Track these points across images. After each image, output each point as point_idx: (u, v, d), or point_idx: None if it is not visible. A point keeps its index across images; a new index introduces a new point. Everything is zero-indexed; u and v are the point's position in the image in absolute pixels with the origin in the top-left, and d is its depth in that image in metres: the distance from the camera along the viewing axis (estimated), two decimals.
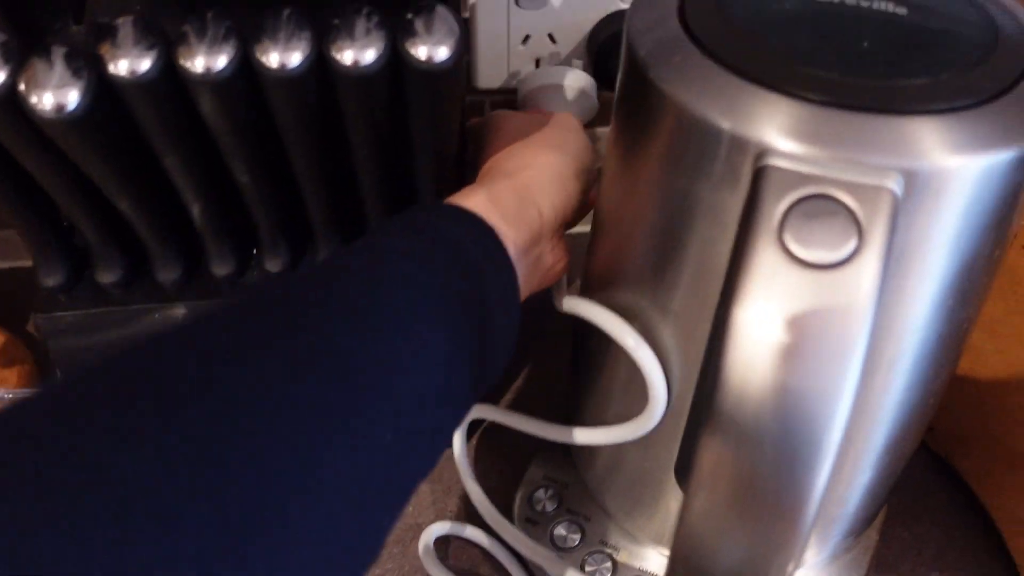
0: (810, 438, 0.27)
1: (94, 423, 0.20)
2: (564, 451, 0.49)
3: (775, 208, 0.26)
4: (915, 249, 0.29)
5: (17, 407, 0.21)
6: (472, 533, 0.47)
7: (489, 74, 0.55)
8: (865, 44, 0.30)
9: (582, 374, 0.43)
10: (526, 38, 0.53)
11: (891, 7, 0.31)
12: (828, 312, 0.26)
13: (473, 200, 0.34)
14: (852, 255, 0.25)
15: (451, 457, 0.49)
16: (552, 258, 0.38)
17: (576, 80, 0.53)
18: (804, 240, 0.26)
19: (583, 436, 0.41)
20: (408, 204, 0.41)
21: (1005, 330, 0.45)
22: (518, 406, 0.55)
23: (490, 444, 0.54)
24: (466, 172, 0.40)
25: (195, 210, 0.39)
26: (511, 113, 0.41)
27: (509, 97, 0.57)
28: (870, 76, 0.28)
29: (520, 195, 0.35)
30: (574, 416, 0.44)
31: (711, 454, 0.28)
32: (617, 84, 0.34)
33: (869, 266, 0.25)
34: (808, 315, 0.26)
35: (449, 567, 0.46)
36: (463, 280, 0.30)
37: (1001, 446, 0.46)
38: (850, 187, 0.26)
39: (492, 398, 0.54)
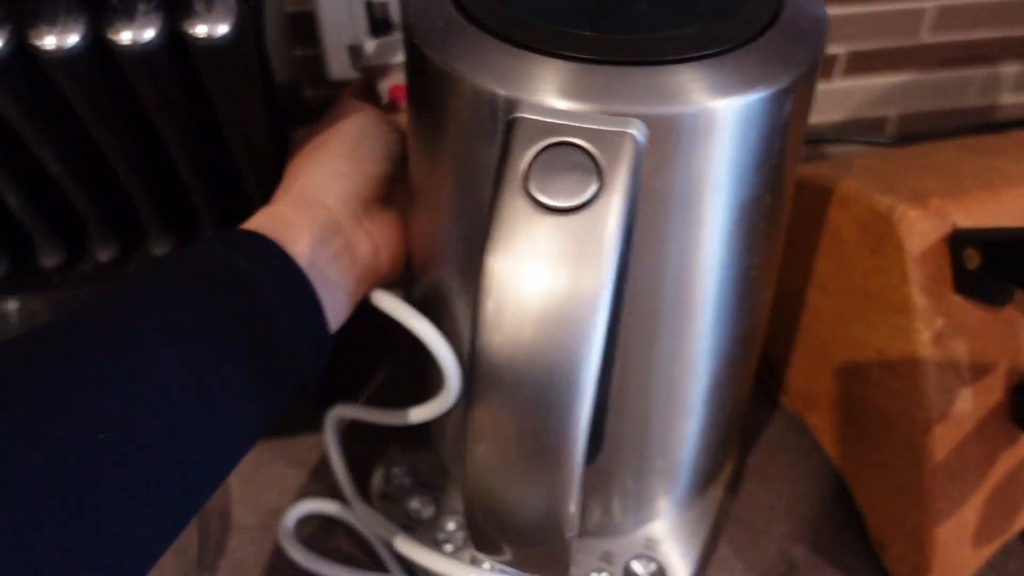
0: (565, 381, 0.27)
1: None
2: (420, 430, 0.49)
3: (521, 157, 0.27)
4: (681, 193, 0.30)
5: None
6: (336, 510, 0.48)
7: (339, 67, 0.56)
8: (618, 4, 0.31)
9: (414, 362, 0.44)
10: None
11: None
12: (573, 255, 0.26)
13: (254, 221, 0.35)
14: (592, 199, 0.26)
15: (316, 441, 0.49)
16: (370, 243, 0.38)
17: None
18: (547, 187, 0.27)
19: (396, 417, 0.43)
20: (235, 196, 0.41)
21: (835, 287, 0.46)
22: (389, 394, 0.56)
23: (355, 424, 0.54)
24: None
25: (12, 201, 0.39)
26: (307, 127, 0.42)
27: None
28: (622, 32, 0.29)
29: (297, 200, 0.36)
30: (416, 398, 0.45)
31: (479, 402, 0.29)
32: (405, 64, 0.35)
33: (611, 208, 0.26)
34: (553, 260, 0.26)
35: (313, 550, 0.46)
36: (235, 301, 0.31)
37: (844, 401, 0.48)
38: (590, 134, 0.27)
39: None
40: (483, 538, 0.32)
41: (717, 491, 0.47)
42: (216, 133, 0.38)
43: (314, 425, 0.50)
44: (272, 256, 0.33)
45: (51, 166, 0.37)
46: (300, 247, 0.34)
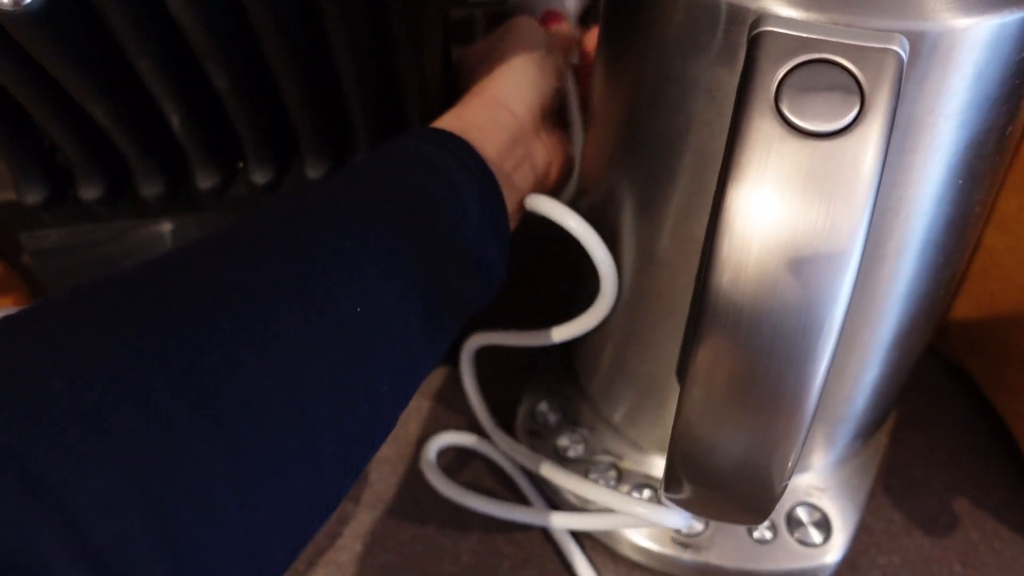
0: (809, 324, 0.25)
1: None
2: (565, 365, 0.48)
3: (771, 76, 0.24)
4: (922, 120, 0.27)
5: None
6: (475, 443, 0.47)
7: None
8: None
9: (577, 284, 0.42)
10: None
11: None
12: (829, 185, 0.24)
13: (442, 122, 0.35)
14: (854, 122, 0.24)
15: (453, 374, 0.48)
16: (545, 155, 0.38)
17: None
18: (802, 109, 0.24)
19: (553, 335, 0.41)
20: (394, 120, 0.39)
21: (1019, 228, 0.43)
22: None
23: (492, 361, 0.53)
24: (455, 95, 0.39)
25: (175, 120, 0.37)
26: (474, 46, 0.42)
27: (499, 9, 0.55)
28: None
29: (487, 104, 0.36)
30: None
31: (707, 344, 0.27)
32: None
33: (872, 134, 0.24)
34: (807, 190, 0.24)
35: (453, 480, 0.45)
36: (432, 184, 0.30)
37: (1013, 348, 0.45)
38: (851, 51, 0.24)
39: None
40: (680, 485, 0.31)
41: (881, 439, 0.45)
42: (390, 49, 0.36)
43: (451, 358, 0.49)
44: (469, 158, 0.32)
45: (219, 82, 0.36)
46: (489, 151, 0.34)
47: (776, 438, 0.28)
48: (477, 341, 0.46)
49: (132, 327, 0.21)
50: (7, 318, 0.21)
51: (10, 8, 0.28)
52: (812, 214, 0.24)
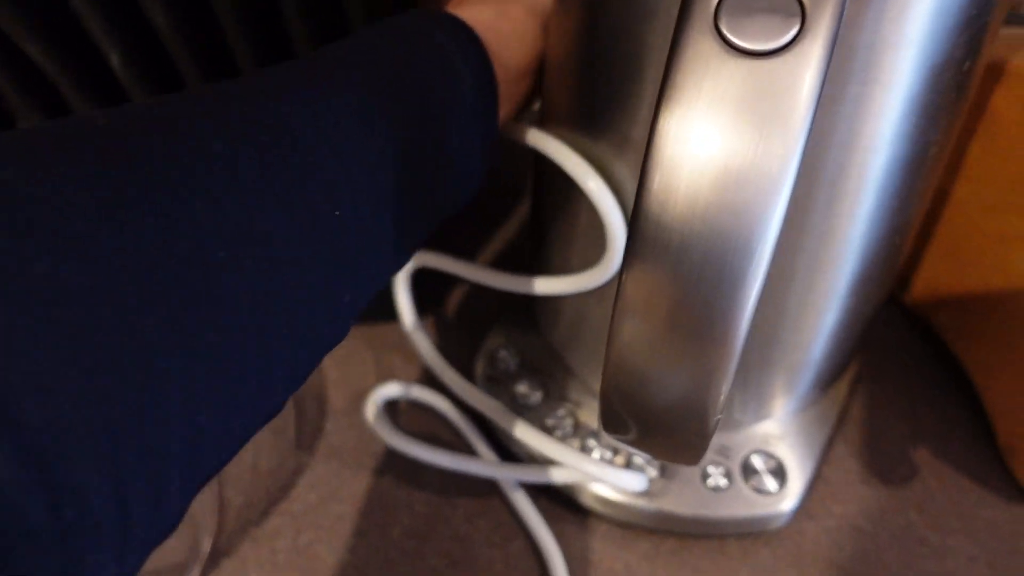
0: (739, 250, 0.24)
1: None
2: (526, 314, 0.47)
3: None
4: (880, 49, 0.26)
5: None
6: (424, 394, 0.46)
7: None
8: None
9: (543, 223, 0.41)
10: None
11: None
12: (763, 107, 0.23)
13: (466, 13, 0.32)
14: (793, 40, 0.23)
15: (397, 321, 0.47)
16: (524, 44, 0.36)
17: None
18: (742, 28, 0.23)
19: (544, 286, 0.40)
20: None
21: (980, 173, 0.42)
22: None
23: (448, 312, 0.53)
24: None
25: (113, 59, 0.36)
26: None
27: None
28: None
29: (531, 19, 0.35)
30: (538, 269, 0.43)
31: (636, 272, 0.26)
32: None
33: (811, 54, 0.23)
34: (741, 112, 0.23)
35: (402, 431, 0.45)
36: (426, 61, 0.29)
37: (975, 296, 0.45)
38: None
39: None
40: (616, 420, 0.30)
41: (841, 390, 0.44)
42: None
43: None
44: (471, 45, 0.31)
45: (156, 19, 0.34)
46: (483, 32, 0.32)
47: (707, 367, 0.27)
48: (421, 260, 0.45)
49: (103, 186, 0.19)
50: None
51: None
52: (745, 137, 0.24)
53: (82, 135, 0.20)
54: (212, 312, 0.20)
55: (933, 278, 0.48)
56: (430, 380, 0.48)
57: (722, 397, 0.27)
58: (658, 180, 0.24)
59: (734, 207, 0.24)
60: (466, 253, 0.51)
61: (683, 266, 0.25)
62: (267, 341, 0.22)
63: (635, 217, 0.25)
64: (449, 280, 0.54)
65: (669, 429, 0.29)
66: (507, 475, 0.42)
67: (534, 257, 0.43)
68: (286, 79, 0.25)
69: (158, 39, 0.36)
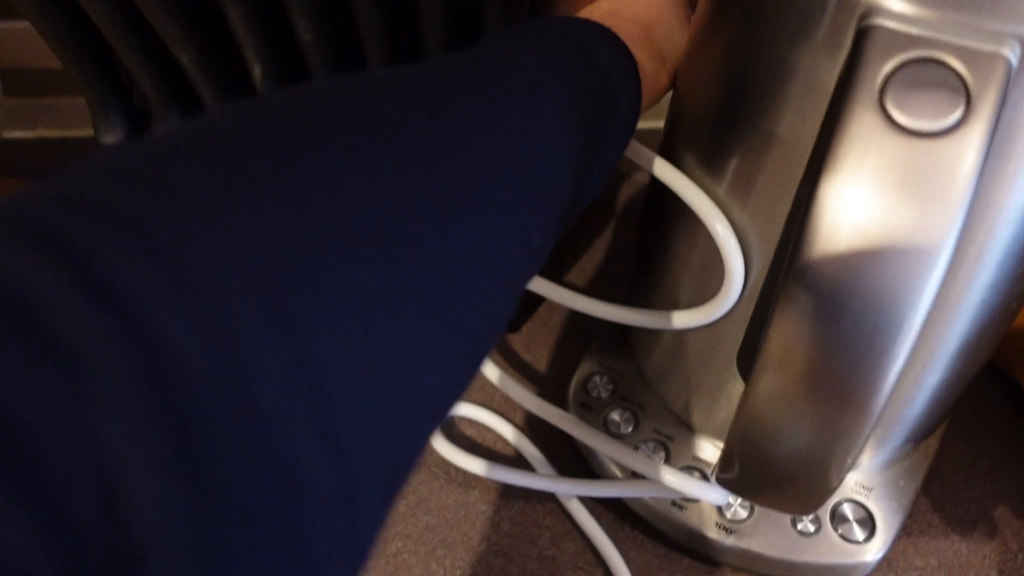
0: (892, 318, 0.25)
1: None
2: (620, 340, 0.48)
3: (878, 71, 0.24)
4: (1020, 129, 0.27)
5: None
6: (481, 415, 0.47)
7: None
8: None
9: (651, 253, 0.42)
10: None
11: None
12: (925, 185, 0.24)
13: (597, 14, 0.33)
14: (958, 124, 0.24)
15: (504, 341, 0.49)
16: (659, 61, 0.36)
17: None
18: (906, 105, 0.24)
19: (655, 320, 0.40)
20: None
21: None
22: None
23: (540, 334, 0.54)
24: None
25: (256, 69, 0.38)
26: None
27: None
28: None
29: (649, 32, 0.35)
30: (638, 300, 0.43)
31: (782, 331, 0.27)
32: None
33: (975, 138, 0.24)
34: (904, 187, 0.24)
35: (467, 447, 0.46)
36: (594, 77, 0.30)
37: None
38: (960, 51, 0.24)
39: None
40: (736, 468, 0.31)
41: (932, 445, 0.45)
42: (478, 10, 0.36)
43: (513, 324, 0.49)
44: (624, 57, 0.32)
45: (304, 35, 0.36)
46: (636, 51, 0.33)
47: (841, 432, 0.28)
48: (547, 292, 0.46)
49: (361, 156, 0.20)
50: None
51: None
52: (905, 212, 0.24)
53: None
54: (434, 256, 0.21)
55: (1020, 333, 0.48)
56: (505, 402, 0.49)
57: (850, 460, 0.28)
58: (816, 245, 0.25)
59: (891, 280, 0.25)
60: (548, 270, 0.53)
61: (832, 330, 0.26)
62: (479, 279, 0.23)
63: (787, 276, 0.26)
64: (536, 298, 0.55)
65: (790, 483, 0.30)
66: (590, 491, 0.43)
67: (636, 285, 0.44)
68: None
69: (301, 54, 0.37)
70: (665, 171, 0.35)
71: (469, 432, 0.49)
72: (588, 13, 0.34)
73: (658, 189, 0.37)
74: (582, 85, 0.28)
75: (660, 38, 0.35)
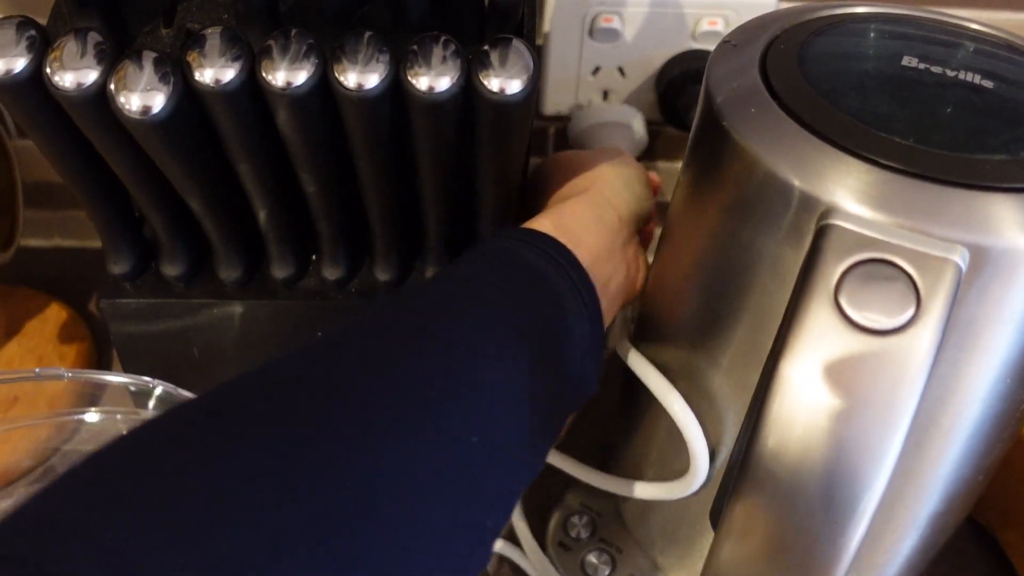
0: (845, 503, 0.26)
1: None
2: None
3: (834, 268, 0.26)
4: (978, 325, 0.28)
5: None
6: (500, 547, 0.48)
7: (556, 101, 0.56)
8: (945, 114, 0.30)
9: (627, 417, 0.43)
10: (596, 69, 0.54)
11: (976, 79, 0.31)
12: (877, 379, 0.26)
13: (542, 223, 0.35)
14: (908, 324, 0.25)
15: None
16: (635, 264, 0.39)
17: (625, 116, 0.54)
18: (860, 303, 0.26)
19: (623, 487, 0.42)
20: (468, 226, 0.42)
21: None
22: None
23: None
24: (528, 203, 0.41)
25: (261, 215, 0.40)
26: (567, 152, 0.43)
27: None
28: (947, 147, 0.28)
29: (595, 203, 0.37)
30: (614, 454, 0.44)
31: (743, 506, 0.28)
32: (693, 127, 0.34)
33: (925, 337, 0.25)
34: (856, 379, 0.26)
35: None
36: (541, 302, 0.31)
37: None
38: (912, 255, 0.26)
39: None
40: None
41: None
42: (473, 170, 0.38)
43: None
44: (571, 268, 0.33)
45: (308, 187, 0.38)
46: (588, 256, 0.34)
47: None
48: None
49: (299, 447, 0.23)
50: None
51: (138, 117, 0.31)
52: (858, 404, 0.26)
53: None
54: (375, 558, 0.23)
55: (1000, 496, 0.49)
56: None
57: None
58: (773, 431, 0.26)
59: (843, 468, 0.26)
60: None
61: (787, 509, 0.27)
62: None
63: (746, 454, 0.27)
64: None
65: None
66: None
67: (613, 444, 0.45)
68: (439, 337, 0.28)
69: (304, 200, 0.39)
70: (630, 357, 0.38)
71: None
72: (559, 216, 0.36)
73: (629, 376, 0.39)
74: (533, 320, 0.30)
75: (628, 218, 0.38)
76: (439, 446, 0.25)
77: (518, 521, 0.47)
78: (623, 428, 0.44)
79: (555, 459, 0.44)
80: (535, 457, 0.30)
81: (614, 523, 0.47)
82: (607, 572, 0.45)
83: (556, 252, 0.33)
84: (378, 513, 0.23)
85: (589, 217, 0.36)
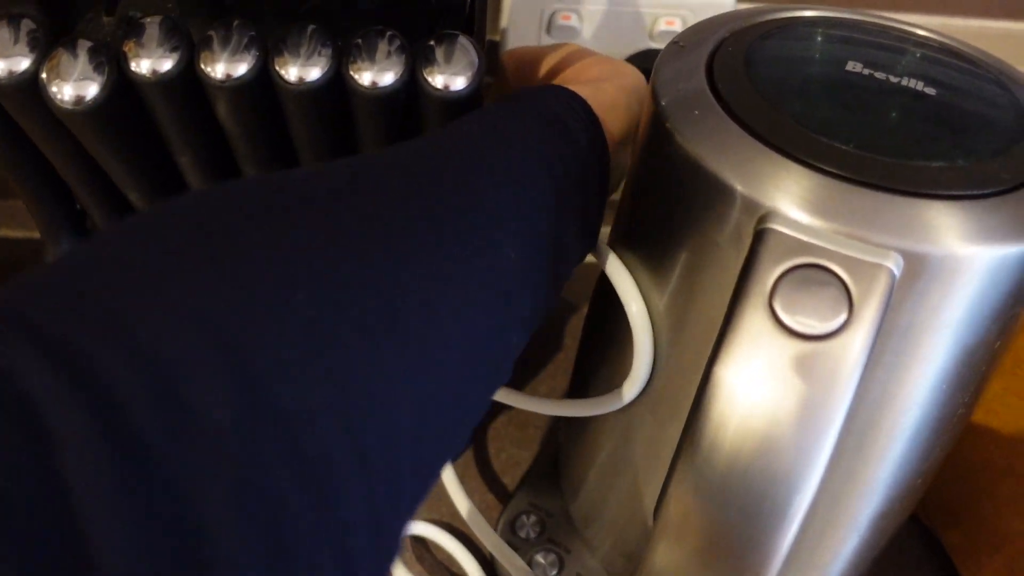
0: (776, 504, 0.26)
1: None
2: (552, 480, 0.49)
3: (770, 272, 0.26)
4: (916, 331, 0.28)
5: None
6: (441, 537, 0.48)
7: None
8: (887, 121, 0.30)
9: (586, 354, 0.43)
10: None
11: (920, 85, 0.31)
12: (809, 383, 0.26)
13: (580, 89, 0.35)
14: (839, 329, 0.25)
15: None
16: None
17: None
18: (793, 308, 0.26)
19: (565, 408, 0.41)
20: None
21: (1001, 409, 0.44)
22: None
23: (481, 460, 0.54)
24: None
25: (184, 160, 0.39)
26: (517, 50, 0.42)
27: None
28: (887, 154, 0.28)
29: (622, 95, 0.37)
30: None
31: (677, 506, 0.28)
32: (640, 127, 0.34)
33: (856, 342, 0.25)
34: (788, 383, 0.26)
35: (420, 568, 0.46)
36: (566, 149, 0.32)
37: (988, 525, 0.46)
38: (846, 261, 0.26)
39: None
40: None
41: None
42: None
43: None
44: (597, 137, 0.34)
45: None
46: (610, 137, 0.35)
47: None
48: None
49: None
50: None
51: (70, 107, 0.30)
52: (789, 408, 0.26)
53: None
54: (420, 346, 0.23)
55: (946, 499, 0.49)
56: (454, 522, 0.49)
57: None
58: (707, 432, 0.27)
59: (774, 472, 0.26)
60: None
61: (720, 510, 0.27)
62: (460, 369, 0.25)
63: (682, 455, 0.27)
64: (483, 425, 0.56)
65: None
66: None
67: (574, 381, 0.45)
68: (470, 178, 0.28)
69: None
70: (601, 252, 0.36)
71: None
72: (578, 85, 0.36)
73: (600, 290, 0.39)
74: (555, 153, 0.31)
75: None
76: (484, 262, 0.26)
77: (471, 511, 0.47)
78: (582, 372, 0.44)
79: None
80: (553, 286, 0.31)
81: (563, 523, 0.47)
82: (554, 573, 0.45)
83: (589, 122, 0.34)
84: (418, 302, 0.23)
85: (588, 90, 0.36)
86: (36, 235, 0.42)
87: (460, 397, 0.26)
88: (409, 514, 0.23)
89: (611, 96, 0.36)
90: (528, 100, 0.33)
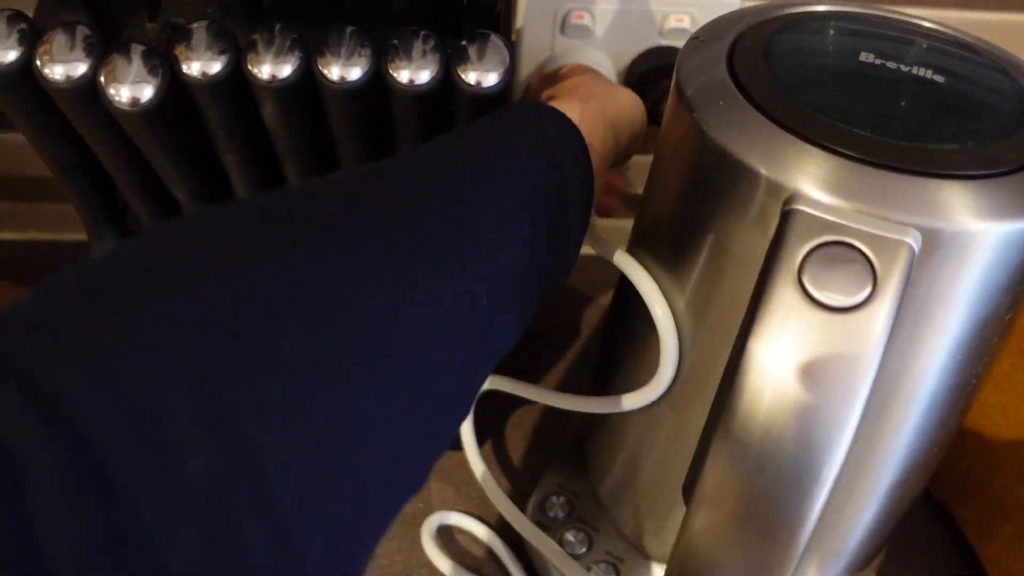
0: (810, 469, 0.28)
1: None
2: (578, 461, 0.50)
3: (797, 250, 0.28)
4: (932, 304, 0.30)
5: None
6: (472, 525, 0.49)
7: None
8: (900, 107, 0.32)
9: (612, 345, 0.44)
10: None
11: (928, 74, 0.33)
12: (837, 353, 0.27)
13: (568, 108, 0.35)
14: (865, 301, 0.27)
15: (463, 457, 0.51)
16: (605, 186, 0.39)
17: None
18: (821, 282, 0.27)
19: (592, 405, 0.43)
20: None
21: (1011, 385, 0.46)
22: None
23: (503, 449, 0.56)
24: None
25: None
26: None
27: None
28: (901, 137, 0.30)
29: (606, 119, 0.37)
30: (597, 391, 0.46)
31: (714, 475, 0.30)
32: (664, 119, 0.36)
33: (881, 313, 0.27)
34: (818, 354, 0.27)
35: (452, 559, 0.47)
36: (550, 177, 0.32)
37: (999, 499, 0.47)
38: (869, 238, 0.27)
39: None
40: None
41: (870, 574, 0.47)
42: None
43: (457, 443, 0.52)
44: (582, 158, 0.34)
45: (292, 179, 0.39)
46: (595, 158, 0.35)
47: (768, 565, 0.30)
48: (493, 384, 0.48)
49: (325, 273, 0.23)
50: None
51: (126, 108, 0.32)
52: (820, 376, 0.27)
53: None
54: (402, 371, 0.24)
55: (958, 473, 0.51)
56: (484, 511, 0.50)
57: None
58: (742, 403, 0.28)
59: (807, 437, 0.28)
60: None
61: (756, 478, 0.29)
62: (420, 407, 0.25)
63: (718, 426, 0.29)
64: (505, 414, 0.57)
65: None
66: None
67: (597, 377, 0.47)
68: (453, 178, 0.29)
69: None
70: (623, 260, 0.38)
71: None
72: (568, 102, 0.36)
73: (623, 281, 0.40)
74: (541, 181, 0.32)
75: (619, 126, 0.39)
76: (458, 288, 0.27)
77: (498, 495, 0.48)
78: (606, 353, 0.45)
79: (522, 389, 0.46)
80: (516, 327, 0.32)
81: (591, 503, 0.48)
82: (584, 549, 0.46)
83: (574, 143, 0.34)
84: (395, 344, 0.24)
85: (599, 129, 0.36)
86: (70, 237, 0.44)
87: (433, 439, 0.27)
88: (370, 553, 0.24)
89: (589, 125, 0.37)
90: (523, 125, 0.33)
